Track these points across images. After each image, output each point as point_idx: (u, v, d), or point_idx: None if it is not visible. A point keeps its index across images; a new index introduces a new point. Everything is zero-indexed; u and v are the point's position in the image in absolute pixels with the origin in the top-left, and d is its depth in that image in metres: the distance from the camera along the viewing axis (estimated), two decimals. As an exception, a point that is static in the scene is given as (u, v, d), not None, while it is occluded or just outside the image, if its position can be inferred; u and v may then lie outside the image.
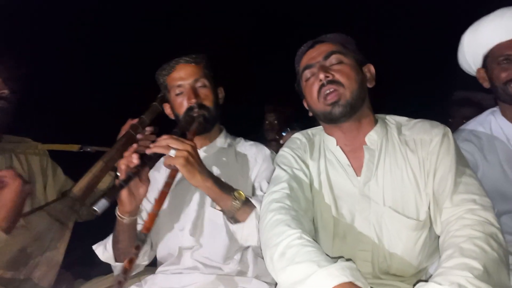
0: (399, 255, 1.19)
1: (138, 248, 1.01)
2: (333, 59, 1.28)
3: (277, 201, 1.16)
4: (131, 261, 0.98)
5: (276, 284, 1.40)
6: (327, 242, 1.26)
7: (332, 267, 0.90)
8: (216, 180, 1.28)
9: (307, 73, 1.32)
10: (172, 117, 1.62)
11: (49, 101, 2.52)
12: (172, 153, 1.19)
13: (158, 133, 1.78)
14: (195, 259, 1.43)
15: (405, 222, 1.18)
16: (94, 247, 1.47)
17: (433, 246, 1.23)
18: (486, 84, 1.63)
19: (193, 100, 1.47)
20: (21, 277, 1.47)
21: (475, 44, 1.61)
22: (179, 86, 1.50)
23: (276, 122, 3.03)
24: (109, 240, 1.44)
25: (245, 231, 1.29)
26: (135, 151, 1.24)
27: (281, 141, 2.02)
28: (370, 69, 1.36)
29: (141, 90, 1.65)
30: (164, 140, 1.22)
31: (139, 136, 1.70)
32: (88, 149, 1.78)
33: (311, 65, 1.30)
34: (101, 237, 1.50)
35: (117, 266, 1.44)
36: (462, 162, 1.21)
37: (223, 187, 1.28)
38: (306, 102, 1.40)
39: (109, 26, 2.87)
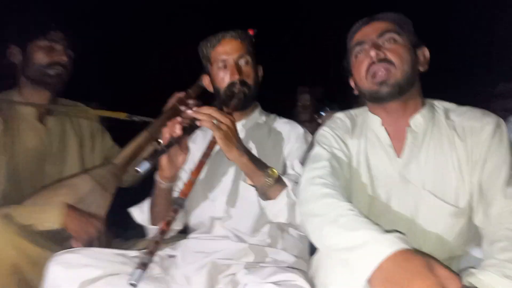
0: (433, 240, 1.18)
1: (176, 212, 1.05)
2: (387, 37, 1.24)
3: (320, 177, 1.16)
4: (169, 223, 1.02)
5: (307, 256, 1.44)
6: None
7: (392, 235, 0.90)
8: (252, 157, 1.31)
9: (358, 49, 1.28)
10: (210, 89, 1.64)
11: (103, 71, 2.61)
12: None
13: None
14: (225, 229, 1.47)
15: (443, 207, 1.17)
16: (130, 210, 1.54)
17: (469, 235, 1.21)
18: None
19: (236, 76, 1.48)
20: (66, 234, 1.55)
21: None
22: (223, 60, 1.51)
23: (309, 103, 3.02)
24: (145, 204, 1.51)
25: (276, 208, 1.31)
26: (179, 123, 1.28)
27: (320, 121, 1.97)
28: (424, 53, 1.31)
29: (189, 64, 1.64)
30: (207, 109, 1.25)
31: (183, 108, 1.72)
32: (135, 118, 1.83)
33: (363, 41, 1.27)
34: (137, 202, 1.56)
35: (152, 229, 1.50)
36: None
37: (258, 164, 1.30)
38: (353, 79, 1.36)
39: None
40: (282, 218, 1.32)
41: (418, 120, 1.26)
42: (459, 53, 2.92)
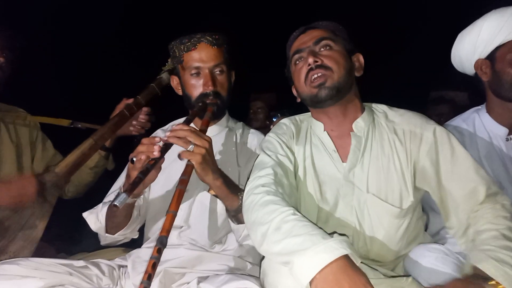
0: (380, 241, 1.23)
1: (159, 252, 0.99)
2: (323, 44, 1.29)
3: (263, 185, 1.16)
4: (154, 266, 0.96)
5: (260, 262, 1.41)
6: None
7: (331, 241, 0.91)
8: (225, 180, 1.28)
9: (296, 57, 1.33)
10: (178, 92, 1.57)
11: (44, 74, 2.47)
12: (190, 147, 1.18)
13: (153, 114, 1.74)
14: (181, 239, 1.42)
15: (388, 209, 1.22)
16: (85, 214, 1.44)
17: (413, 234, 1.28)
18: (486, 77, 1.58)
19: (210, 88, 1.43)
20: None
21: (492, 31, 1.50)
22: (196, 67, 1.44)
23: (259, 110, 3.09)
24: (101, 212, 1.42)
25: (246, 231, 1.31)
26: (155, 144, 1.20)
27: (271, 127, 2.02)
28: (359, 58, 1.37)
29: (139, 69, 1.60)
30: (183, 131, 1.20)
31: (134, 115, 1.66)
32: (79, 125, 1.75)
33: (301, 49, 1.32)
34: (81, 214, 1.47)
35: (107, 237, 1.43)
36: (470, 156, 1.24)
37: (231, 187, 1.29)
38: (294, 87, 1.40)
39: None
40: (251, 241, 1.31)
41: (360, 124, 1.31)
42: (395, 60, 3.12)
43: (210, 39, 1.44)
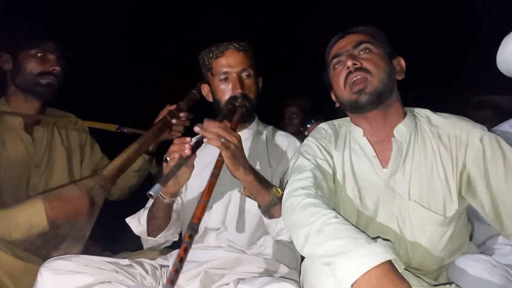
0: (422, 249, 1.19)
1: (191, 237, 1.02)
2: (362, 48, 1.27)
3: (303, 188, 1.16)
4: (186, 250, 0.99)
5: (297, 266, 1.45)
6: None
7: (376, 245, 0.90)
8: (257, 175, 1.30)
9: (335, 61, 1.32)
10: (209, 99, 1.64)
11: (94, 82, 2.60)
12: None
13: (193, 120, 1.79)
14: (219, 240, 1.46)
15: (431, 217, 1.18)
16: (127, 220, 1.52)
17: (457, 243, 1.23)
18: None
19: (239, 90, 1.48)
20: (50, 247, 1.50)
21: None
22: (225, 72, 1.51)
23: (294, 116, 3.07)
24: (143, 216, 1.49)
25: (279, 226, 1.32)
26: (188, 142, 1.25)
27: (306, 133, 2.02)
28: (400, 62, 1.34)
29: (181, 76, 1.66)
30: (214, 126, 1.24)
31: (174, 121, 1.72)
32: (125, 130, 1.83)
33: (339, 53, 1.30)
34: (127, 215, 1.55)
35: (149, 241, 1.50)
36: None
37: (263, 183, 1.31)
38: (333, 92, 1.39)
39: (155, 10, 2.94)
40: (285, 236, 1.33)
41: (402, 129, 1.27)
42: (435, 65, 3.04)
43: (237, 45, 1.52)
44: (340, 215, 1.04)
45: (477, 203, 1.20)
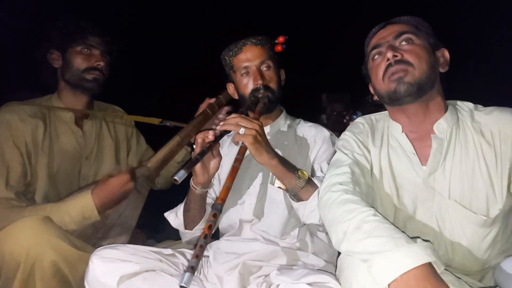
0: (462, 250, 1.15)
1: (215, 216, 1.07)
2: (404, 38, 1.22)
3: (341, 183, 1.15)
4: (210, 227, 1.04)
5: (334, 260, 1.46)
6: None
7: (416, 246, 0.89)
8: (281, 159, 1.33)
9: (374, 52, 1.27)
10: (235, 96, 1.69)
11: (138, 76, 2.69)
12: (241, 130, 1.25)
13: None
14: (254, 232, 1.49)
15: (472, 218, 1.13)
16: (166, 214, 1.58)
17: (506, 244, 1.17)
18: None
19: (259, 82, 1.52)
20: (99, 235, 1.60)
21: None
22: (245, 67, 1.55)
23: (335, 113, 2.95)
24: (179, 209, 1.55)
25: (308, 209, 1.33)
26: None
27: None
28: (444, 54, 1.27)
29: (221, 70, 1.68)
30: (234, 118, 1.28)
31: (220, 116, 1.77)
32: (168, 124, 1.88)
33: (379, 44, 1.26)
34: (168, 205, 1.61)
35: (186, 233, 1.55)
36: None
37: (288, 166, 1.33)
38: (371, 84, 1.34)
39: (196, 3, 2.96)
40: (315, 219, 1.33)
41: (442, 125, 1.21)
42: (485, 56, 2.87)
43: (254, 40, 1.56)
44: (379, 212, 1.02)
45: None
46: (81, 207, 1.47)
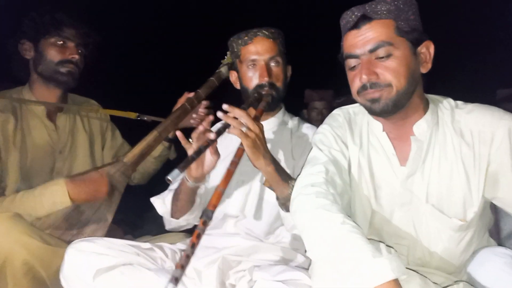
0: (439, 254, 1.15)
1: (205, 224, 1.05)
2: (382, 54, 1.08)
3: (313, 184, 1.11)
4: (199, 236, 1.02)
5: None
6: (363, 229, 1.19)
7: (386, 260, 0.88)
8: (277, 167, 1.29)
9: (349, 62, 1.16)
10: (236, 86, 1.63)
11: (114, 70, 2.64)
12: (243, 129, 1.21)
13: (213, 108, 1.81)
14: (237, 228, 1.48)
15: (448, 222, 1.12)
16: (152, 199, 1.54)
17: (477, 244, 1.18)
18: None
19: (266, 78, 1.47)
20: (74, 232, 1.56)
21: None
22: (253, 60, 1.50)
23: (325, 109, 2.96)
24: (167, 196, 1.51)
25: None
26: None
27: None
28: (428, 48, 1.13)
29: (199, 64, 1.67)
30: (238, 113, 1.22)
31: (200, 111, 1.75)
32: (145, 118, 1.85)
33: (354, 55, 1.12)
34: (147, 200, 1.59)
35: (171, 221, 1.52)
36: None
37: (283, 175, 1.29)
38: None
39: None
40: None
41: (422, 126, 1.16)
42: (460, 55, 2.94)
43: (266, 32, 1.49)
44: (350, 218, 1.01)
45: (503, 203, 1.13)
46: (53, 191, 1.42)
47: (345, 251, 0.93)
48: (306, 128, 1.62)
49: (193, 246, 1.00)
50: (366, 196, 1.22)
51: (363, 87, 1.11)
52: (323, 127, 1.31)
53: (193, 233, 1.04)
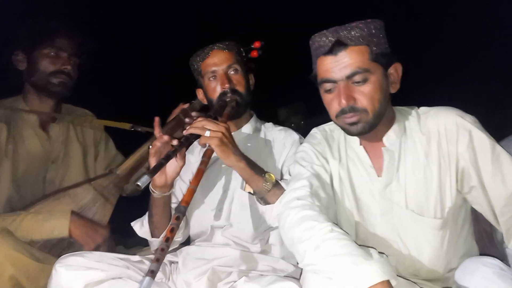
0: (427, 258, 1.17)
1: (178, 219, 1.06)
2: (358, 77, 1.11)
3: (299, 198, 1.14)
4: (173, 230, 1.03)
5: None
6: None
7: (375, 264, 0.91)
8: (249, 162, 1.33)
9: (325, 86, 1.17)
10: (204, 102, 1.68)
11: (108, 80, 2.64)
12: (207, 133, 1.25)
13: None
14: (226, 237, 1.48)
15: (430, 223, 1.15)
16: (132, 224, 1.53)
17: (463, 246, 1.21)
18: None
19: (227, 85, 1.51)
20: (65, 245, 1.55)
21: None
22: (212, 71, 1.55)
23: (302, 122, 2.98)
24: (145, 218, 1.51)
25: (274, 212, 1.32)
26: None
27: None
28: (397, 70, 1.19)
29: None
30: (200, 122, 1.29)
31: (187, 120, 1.74)
32: (139, 129, 1.85)
33: (330, 80, 1.14)
34: (139, 211, 1.56)
35: (153, 242, 1.50)
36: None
37: (255, 168, 1.33)
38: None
39: (170, 7, 2.97)
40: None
41: (391, 137, 1.21)
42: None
43: (221, 45, 1.56)
44: (338, 227, 1.03)
45: (471, 201, 1.18)
46: (56, 223, 1.47)
47: (336, 256, 0.95)
48: (279, 130, 1.66)
49: (167, 240, 1.01)
50: (349, 208, 1.25)
51: (342, 111, 1.14)
52: (304, 145, 1.36)
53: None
